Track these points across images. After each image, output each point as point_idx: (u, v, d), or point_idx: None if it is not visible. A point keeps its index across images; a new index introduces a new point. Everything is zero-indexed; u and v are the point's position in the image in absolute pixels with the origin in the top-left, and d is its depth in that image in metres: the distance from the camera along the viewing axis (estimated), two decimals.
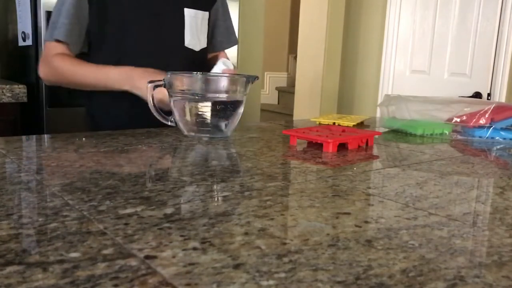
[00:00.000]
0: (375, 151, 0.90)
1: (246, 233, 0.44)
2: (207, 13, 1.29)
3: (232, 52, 2.33)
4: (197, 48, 1.27)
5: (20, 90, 1.77)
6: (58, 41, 1.16)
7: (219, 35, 1.35)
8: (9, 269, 0.35)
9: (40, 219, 0.45)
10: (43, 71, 1.20)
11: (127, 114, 1.18)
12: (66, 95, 1.81)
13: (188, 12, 1.24)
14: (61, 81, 1.20)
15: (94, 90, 1.17)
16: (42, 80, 1.25)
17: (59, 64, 1.16)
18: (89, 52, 1.21)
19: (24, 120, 1.84)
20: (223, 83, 0.95)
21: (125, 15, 1.18)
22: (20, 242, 0.40)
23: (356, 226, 0.47)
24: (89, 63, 1.16)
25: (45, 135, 0.98)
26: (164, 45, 1.21)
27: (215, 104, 0.92)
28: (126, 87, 1.09)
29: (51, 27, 1.17)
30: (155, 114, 0.98)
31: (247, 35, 2.58)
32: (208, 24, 1.32)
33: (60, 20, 1.15)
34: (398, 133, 1.12)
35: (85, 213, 0.47)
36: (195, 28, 1.26)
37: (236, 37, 1.40)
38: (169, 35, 1.22)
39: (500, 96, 2.32)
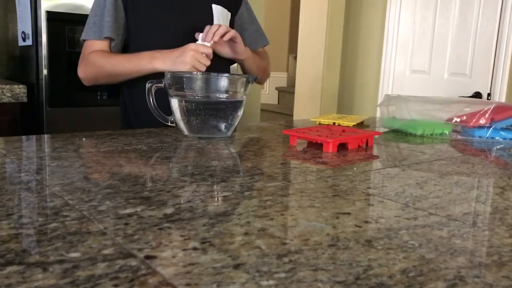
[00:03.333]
0: (375, 151, 0.90)
1: (246, 233, 0.44)
2: (229, 14, 1.33)
3: None
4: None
5: (20, 90, 1.77)
6: (106, 38, 1.23)
7: (248, 37, 1.39)
8: (9, 269, 0.35)
9: (40, 219, 0.45)
10: (82, 70, 1.28)
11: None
12: (66, 95, 1.81)
13: (216, 8, 1.28)
14: (99, 76, 1.26)
15: (128, 79, 1.24)
16: (83, 81, 1.31)
17: (95, 59, 1.23)
18: (124, 48, 1.29)
19: (24, 120, 1.84)
20: (223, 83, 0.95)
21: (155, 11, 1.25)
22: (20, 242, 0.40)
23: (356, 226, 0.47)
24: (122, 54, 1.25)
25: (45, 135, 0.98)
26: (193, 38, 1.23)
27: (215, 104, 0.92)
28: (157, 63, 1.16)
29: (88, 27, 1.25)
30: (155, 114, 0.98)
31: None
32: (233, 27, 1.36)
33: (105, 19, 1.23)
34: (398, 133, 1.12)
35: (85, 213, 0.47)
36: (222, 23, 1.29)
37: (265, 38, 1.46)
38: (198, 29, 1.25)
39: (500, 96, 2.31)
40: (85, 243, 0.40)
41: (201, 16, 1.26)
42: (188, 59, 1.11)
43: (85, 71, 1.27)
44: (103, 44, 1.25)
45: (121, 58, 1.22)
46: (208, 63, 1.13)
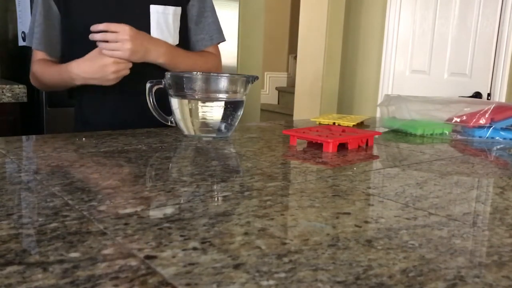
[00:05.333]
0: (375, 151, 0.90)
1: (246, 233, 0.44)
2: (179, 9, 1.24)
3: (232, 52, 2.34)
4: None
5: (20, 90, 1.77)
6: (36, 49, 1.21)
7: (198, 32, 1.29)
8: (9, 269, 0.35)
9: (40, 219, 0.45)
10: (31, 79, 1.26)
11: (117, 114, 1.22)
12: (66, 95, 1.81)
13: (154, 9, 1.20)
14: (43, 85, 1.25)
15: (68, 88, 1.21)
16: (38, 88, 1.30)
17: (35, 69, 1.21)
18: (63, 55, 1.23)
19: (24, 120, 1.84)
20: (223, 83, 0.95)
21: (89, 15, 1.17)
22: (20, 242, 0.40)
23: (356, 226, 0.47)
24: (57, 64, 1.19)
25: (45, 135, 0.98)
26: None
27: (215, 104, 0.92)
28: (79, 82, 1.11)
29: (29, 35, 1.23)
30: (155, 114, 0.98)
31: (247, 35, 2.58)
32: (186, 21, 1.27)
33: (35, 29, 1.20)
34: (398, 133, 1.12)
35: (85, 213, 0.47)
36: (164, 25, 1.21)
37: (221, 34, 1.33)
38: None
39: (500, 96, 2.31)
40: (85, 243, 0.40)
41: (137, 19, 1.18)
42: (112, 76, 1.07)
43: (32, 80, 1.25)
44: (43, 54, 1.21)
45: (51, 70, 1.17)
46: (129, 66, 1.08)
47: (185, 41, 1.27)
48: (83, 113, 1.26)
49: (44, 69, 1.19)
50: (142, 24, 1.18)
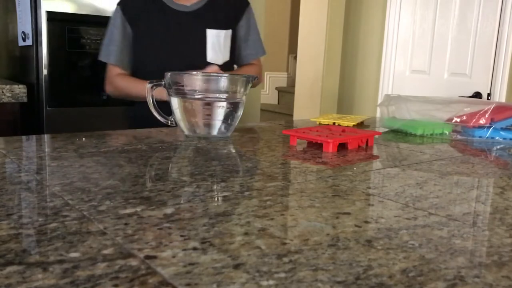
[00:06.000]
0: (375, 151, 0.90)
1: (246, 233, 0.44)
2: (230, 31, 1.45)
3: None
4: (219, 62, 1.43)
5: (20, 90, 1.77)
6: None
7: (246, 48, 1.53)
8: (9, 269, 0.35)
9: (40, 219, 0.45)
10: (109, 90, 1.47)
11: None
12: (66, 95, 1.81)
13: (210, 32, 1.42)
14: (123, 96, 1.46)
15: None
16: (111, 96, 1.52)
17: (119, 83, 1.43)
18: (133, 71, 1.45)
19: (24, 120, 1.84)
20: (223, 83, 0.95)
21: (154, 37, 1.40)
22: (20, 242, 0.40)
23: (356, 226, 0.47)
24: (140, 80, 1.38)
25: (45, 135, 0.98)
26: (188, 62, 1.35)
27: (215, 104, 0.92)
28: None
29: (104, 49, 1.43)
30: (155, 114, 0.98)
31: None
32: (235, 39, 1.49)
33: (111, 46, 1.41)
34: (398, 133, 1.12)
35: (85, 213, 0.47)
36: (217, 45, 1.43)
37: (263, 48, 1.57)
38: (192, 53, 1.41)
39: (500, 96, 2.31)
40: (85, 243, 0.40)
41: (196, 41, 1.40)
42: None
43: (112, 91, 1.46)
44: (120, 69, 1.42)
45: (137, 86, 1.36)
46: None
47: (233, 57, 1.50)
48: (139, 112, 1.43)
49: (131, 84, 1.41)
50: (200, 45, 1.41)
